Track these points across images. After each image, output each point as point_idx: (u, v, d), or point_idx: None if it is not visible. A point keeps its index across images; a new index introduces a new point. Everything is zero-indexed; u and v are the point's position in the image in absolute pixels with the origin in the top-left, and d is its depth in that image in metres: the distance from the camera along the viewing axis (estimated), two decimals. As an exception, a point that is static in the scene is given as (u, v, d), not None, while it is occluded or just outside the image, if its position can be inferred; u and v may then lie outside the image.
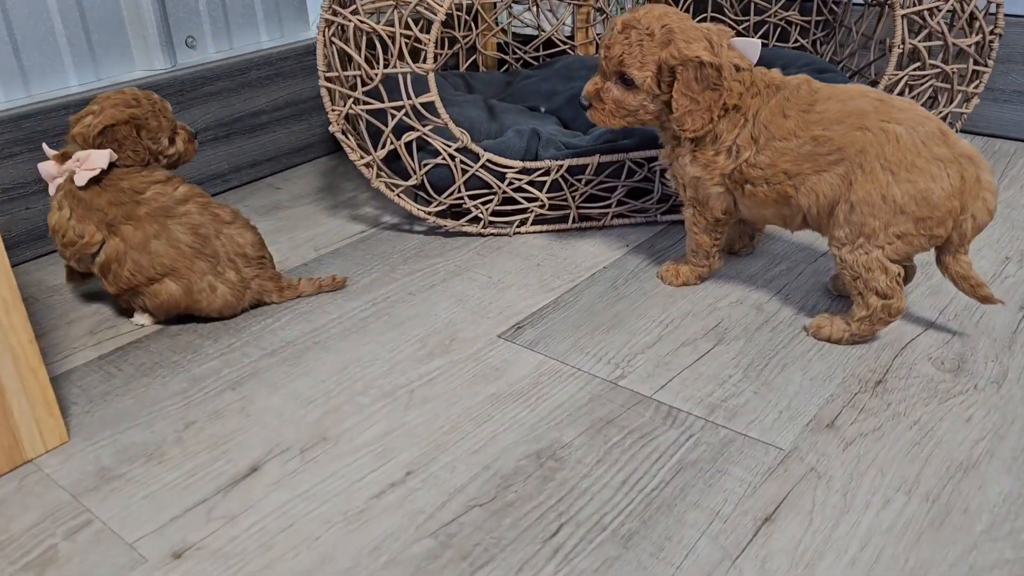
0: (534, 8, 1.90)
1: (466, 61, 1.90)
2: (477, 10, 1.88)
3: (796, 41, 1.88)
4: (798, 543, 0.79)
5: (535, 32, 1.94)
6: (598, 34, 1.94)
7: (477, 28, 1.89)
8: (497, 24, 1.92)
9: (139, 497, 0.87)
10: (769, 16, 1.88)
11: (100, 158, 1.10)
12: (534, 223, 1.42)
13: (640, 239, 1.37)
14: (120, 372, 1.08)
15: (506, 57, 1.93)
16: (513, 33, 1.97)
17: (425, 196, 1.38)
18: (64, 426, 0.96)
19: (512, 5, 1.92)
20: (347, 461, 0.91)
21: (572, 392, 1.01)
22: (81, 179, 1.09)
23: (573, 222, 1.40)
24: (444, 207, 1.36)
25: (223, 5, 1.63)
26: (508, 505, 0.84)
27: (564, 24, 1.92)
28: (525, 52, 1.93)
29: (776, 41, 1.90)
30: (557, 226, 1.41)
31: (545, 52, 1.94)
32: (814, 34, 1.86)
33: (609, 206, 1.38)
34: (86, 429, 0.98)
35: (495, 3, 1.90)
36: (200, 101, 1.57)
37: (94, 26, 1.45)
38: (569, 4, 1.89)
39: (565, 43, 1.92)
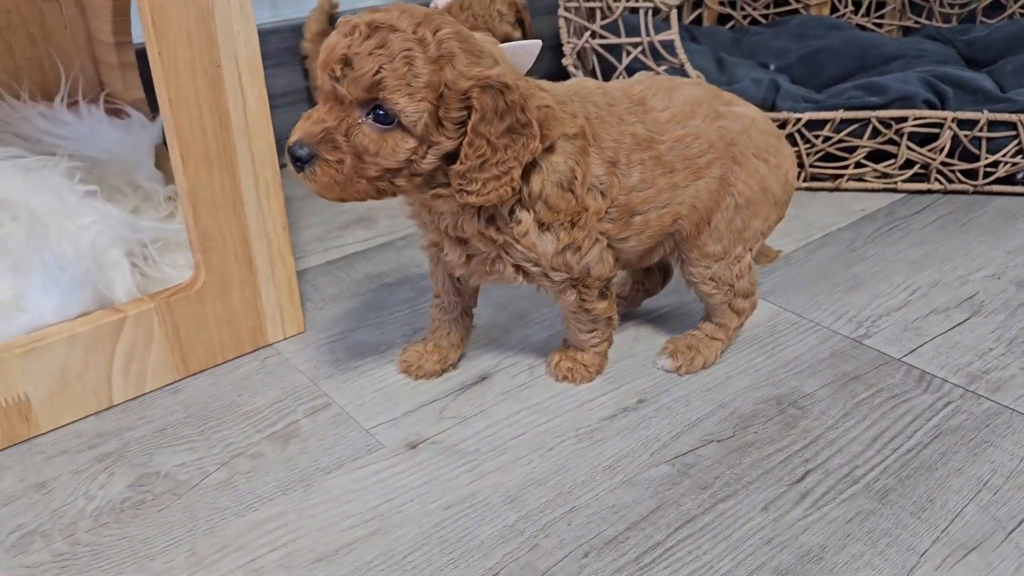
0: (767, -36, 1.81)
1: (690, 15, 1.83)
2: (707, -38, 1.81)
3: None
4: (1085, 527, 0.70)
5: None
6: (834, -5, 1.83)
7: (705, -19, 1.83)
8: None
9: (372, 390, 0.88)
10: None
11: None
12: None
13: (877, 205, 1.28)
14: (348, 277, 1.11)
15: (733, 13, 1.85)
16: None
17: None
18: (302, 316, 0.99)
19: (744, -41, 1.83)
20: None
21: (811, 344, 0.95)
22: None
23: (803, 180, 1.32)
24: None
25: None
26: (748, 445, 0.80)
27: (797, -17, 1.81)
28: (754, 8, 1.84)
29: None
30: (784, 184, 1.33)
31: (775, 10, 1.84)
32: None
33: (846, 167, 1.30)
34: (320, 323, 1.01)
35: (726, -44, 1.83)
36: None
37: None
38: (806, -39, 1.79)
39: (798, 1, 1.81)
